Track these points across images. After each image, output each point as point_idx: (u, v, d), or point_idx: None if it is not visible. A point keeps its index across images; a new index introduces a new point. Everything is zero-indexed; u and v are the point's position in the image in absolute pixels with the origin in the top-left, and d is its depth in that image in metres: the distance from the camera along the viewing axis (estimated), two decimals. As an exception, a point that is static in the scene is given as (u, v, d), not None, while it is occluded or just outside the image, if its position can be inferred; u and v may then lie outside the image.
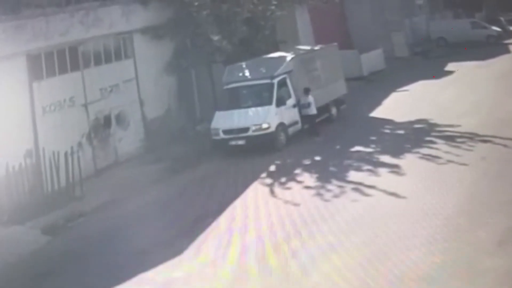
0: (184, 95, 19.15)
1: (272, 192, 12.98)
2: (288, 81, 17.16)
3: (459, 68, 25.03)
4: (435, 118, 17.18)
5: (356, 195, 11.93)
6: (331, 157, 15.06)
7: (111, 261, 10.38)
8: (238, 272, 9.34)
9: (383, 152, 14.73)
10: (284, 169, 14.60)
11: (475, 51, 28.20)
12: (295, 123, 17.01)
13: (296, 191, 12.84)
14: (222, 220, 11.58)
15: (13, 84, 13.73)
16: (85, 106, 15.82)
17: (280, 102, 16.68)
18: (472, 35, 31.75)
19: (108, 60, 16.72)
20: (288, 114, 16.80)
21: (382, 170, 13.26)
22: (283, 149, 16.19)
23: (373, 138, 16.46)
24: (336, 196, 12.10)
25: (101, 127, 16.28)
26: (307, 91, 17.12)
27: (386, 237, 9.59)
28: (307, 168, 14.38)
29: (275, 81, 16.80)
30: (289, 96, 17.06)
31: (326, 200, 11.94)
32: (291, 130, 16.84)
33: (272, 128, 16.18)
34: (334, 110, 18.87)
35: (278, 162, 15.28)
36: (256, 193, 13.07)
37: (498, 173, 12.09)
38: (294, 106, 17.05)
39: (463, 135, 15.02)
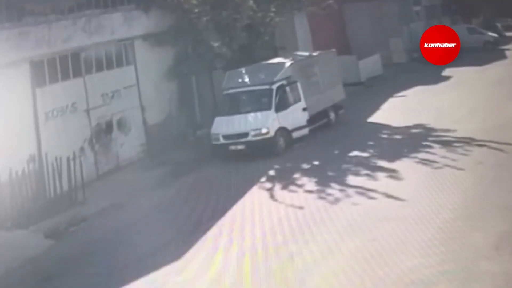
0: (184, 101, 19.31)
1: (271, 196, 13.09)
2: (298, 85, 17.40)
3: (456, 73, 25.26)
4: (432, 123, 17.32)
5: (353, 199, 12.05)
6: (329, 161, 15.19)
7: (113, 265, 10.47)
8: (237, 276, 9.43)
9: (381, 156, 14.87)
10: (283, 173, 14.72)
11: (472, 56, 28.38)
12: (302, 127, 17.21)
13: (295, 196, 12.95)
14: (222, 224, 11.68)
15: (16, 90, 13.90)
16: (87, 111, 15.99)
17: (281, 107, 16.89)
18: (469, 41, 31.93)
19: (109, 66, 16.90)
20: (293, 118, 16.99)
21: (380, 175, 13.38)
22: (282, 154, 16.35)
23: (371, 143, 16.62)
24: (334, 200, 12.22)
25: (103, 133, 16.43)
26: None
27: (383, 241, 9.68)
28: (306, 173, 14.51)
29: (274, 86, 16.98)
30: (298, 100, 17.30)
31: (325, 204, 12.05)
32: (296, 134, 17.01)
33: (271, 133, 16.33)
34: (332, 115, 19.03)
35: (277, 166, 15.42)
36: (256, 197, 13.18)
37: (495, 177, 12.20)
38: (304, 109, 17.29)
39: (460, 140, 15.14)
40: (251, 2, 18.58)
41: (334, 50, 20.80)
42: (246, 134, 16.27)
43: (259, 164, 15.45)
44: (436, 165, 13.54)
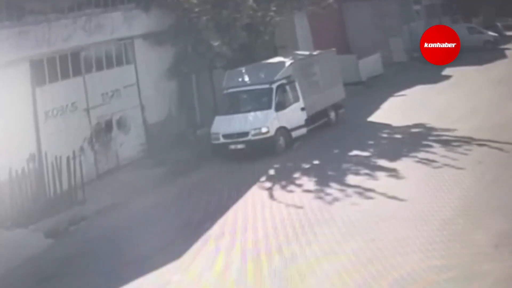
0: (184, 100, 19.32)
1: (271, 196, 13.11)
2: (296, 84, 17.41)
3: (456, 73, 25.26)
4: (433, 123, 17.31)
5: (354, 199, 12.06)
6: (329, 161, 15.19)
7: (112, 264, 10.48)
8: (238, 275, 9.44)
9: (381, 156, 14.87)
10: (283, 173, 14.73)
11: (472, 56, 28.37)
12: (301, 126, 17.21)
13: (295, 195, 12.97)
14: (222, 224, 11.69)
15: (16, 89, 13.91)
16: (87, 111, 16.00)
17: (280, 107, 16.89)
18: (469, 40, 31.89)
19: (109, 65, 16.91)
20: (292, 117, 16.99)
21: (380, 174, 13.39)
22: (282, 153, 16.36)
23: (371, 142, 16.62)
24: (334, 199, 12.23)
25: (103, 132, 16.43)
26: None
27: (384, 241, 9.70)
28: (306, 172, 14.51)
29: (274, 86, 16.99)
30: (297, 100, 17.30)
31: (325, 204, 12.06)
32: (295, 134, 17.03)
33: (271, 132, 16.34)
34: (332, 115, 19.02)
35: (277, 166, 15.42)
36: (256, 196, 13.18)
37: (495, 176, 12.20)
38: (302, 109, 17.30)
39: (460, 139, 15.15)
40: (251, 2, 18.59)
41: (334, 49, 20.78)
42: (246, 134, 16.28)
43: (259, 164, 15.46)
44: (436, 164, 13.54)
